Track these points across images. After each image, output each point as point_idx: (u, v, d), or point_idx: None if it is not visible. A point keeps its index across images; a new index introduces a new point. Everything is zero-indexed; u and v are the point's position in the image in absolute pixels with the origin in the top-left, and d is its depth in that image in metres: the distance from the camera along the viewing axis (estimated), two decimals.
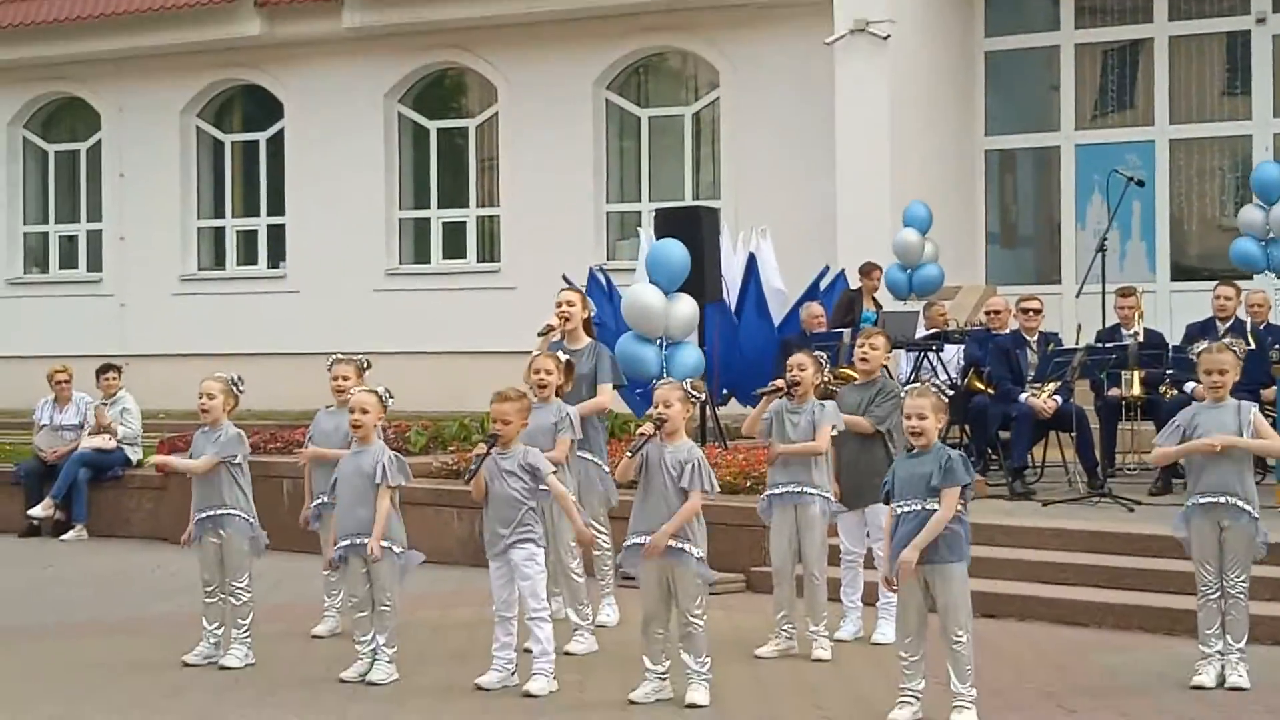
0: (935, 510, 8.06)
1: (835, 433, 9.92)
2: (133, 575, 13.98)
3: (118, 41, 24.04)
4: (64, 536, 16.25)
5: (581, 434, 10.23)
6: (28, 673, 9.77)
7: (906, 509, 8.15)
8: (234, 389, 10.03)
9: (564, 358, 10.20)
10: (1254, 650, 9.10)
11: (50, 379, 17.00)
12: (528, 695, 8.81)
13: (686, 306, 14.17)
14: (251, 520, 9.96)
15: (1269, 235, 15.89)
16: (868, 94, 19.12)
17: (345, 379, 10.68)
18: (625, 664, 9.50)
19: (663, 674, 8.71)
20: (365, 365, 10.89)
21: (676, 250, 14.32)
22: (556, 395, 10.10)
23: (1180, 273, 19.36)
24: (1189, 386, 13.31)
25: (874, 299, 16.96)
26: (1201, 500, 8.89)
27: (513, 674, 9.04)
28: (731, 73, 21.18)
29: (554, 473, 9.14)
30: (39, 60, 24.77)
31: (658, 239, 16.03)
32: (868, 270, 16.97)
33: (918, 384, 8.64)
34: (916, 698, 8.18)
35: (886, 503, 8.38)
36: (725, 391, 16.75)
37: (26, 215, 25.88)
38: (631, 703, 8.63)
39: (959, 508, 8.12)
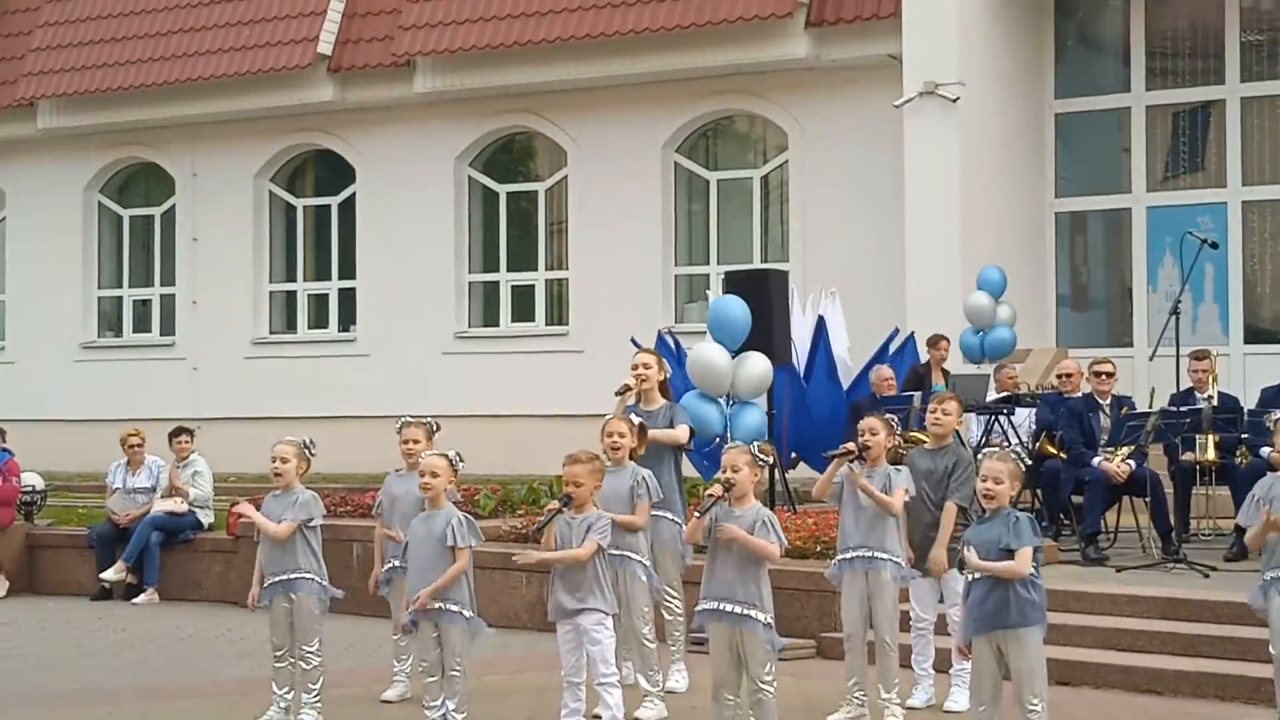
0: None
1: (908, 497, 9.85)
2: (203, 638, 14.02)
3: (192, 107, 24.33)
4: (135, 600, 16.33)
5: (660, 496, 10.21)
6: None
7: (979, 575, 8.07)
8: (307, 452, 10.07)
9: (637, 420, 10.19)
10: None
11: (123, 442, 17.13)
12: None
13: (757, 365, 14.13)
14: (324, 583, 9.97)
15: None
16: (937, 156, 19.08)
17: (415, 442, 10.70)
18: None
19: None
20: (435, 428, 10.91)
21: (736, 307, 14.31)
22: (630, 458, 10.09)
23: (1254, 335, 19.17)
24: (1264, 451, 13.16)
25: (942, 369, 16.85)
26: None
27: None
28: (800, 135, 21.20)
29: (601, 540, 9.08)
30: (114, 126, 25.09)
31: None
32: (935, 341, 16.82)
33: (994, 448, 8.56)
34: None
35: (961, 570, 8.30)
36: (794, 455, 16.68)
37: (101, 280, 26.16)
38: None
39: (1031, 572, 8.05)
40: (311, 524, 9.91)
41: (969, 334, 17.64)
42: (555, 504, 9.10)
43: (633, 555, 9.99)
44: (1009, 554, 7.99)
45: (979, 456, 8.88)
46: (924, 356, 17.00)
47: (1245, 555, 13.08)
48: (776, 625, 8.68)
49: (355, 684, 11.30)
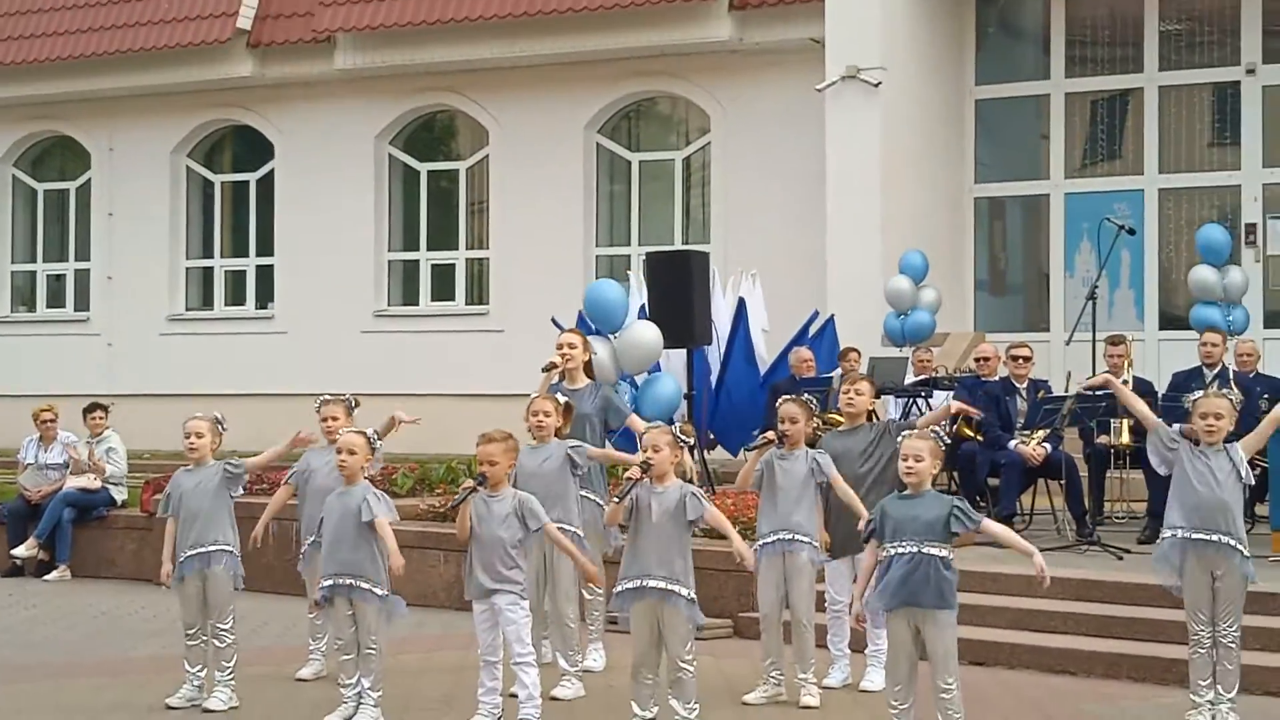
0: (931, 554, 8.03)
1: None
2: (116, 616, 13.90)
3: (109, 81, 24.05)
4: (47, 577, 16.16)
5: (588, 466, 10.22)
6: (10, 714, 9.69)
7: (901, 550, 8.10)
8: (219, 427, 10.01)
9: (562, 399, 10.17)
10: (1245, 700, 9.05)
11: (36, 418, 16.94)
12: None
13: (642, 334, 14.07)
14: (238, 556, 9.89)
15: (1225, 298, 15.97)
16: (858, 140, 19.16)
17: (334, 419, 10.63)
18: (612, 710, 9.46)
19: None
20: (354, 405, 10.84)
21: (611, 290, 14.29)
22: (556, 436, 10.08)
23: (1168, 321, 19.37)
24: (1176, 427, 13.29)
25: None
26: (1193, 536, 8.86)
27: (499, 719, 8.97)
28: (722, 118, 21.22)
29: (550, 522, 9.08)
30: (29, 99, 24.78)
31: (648, 283, 16.07)
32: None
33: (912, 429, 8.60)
34: None
35: (867, 541, 8.34)
36: (712, 437, 16.72)
37: (14, 254, 25.85)
38: None
39: (949, 553, 8.10)
40: (235, 493, 9.84)
41: (891, 318, 17.73)
42: (470, 482, 9.07)
43: (568, 527, 9.98)
44: (935, 536, 8.03)
45: (899, 438, 8.91)
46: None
47: (1157, 537, 13.20)
48: (697, 604, 8.69)
49: (270, 662, 11.23)
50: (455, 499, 9.09)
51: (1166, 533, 9.04)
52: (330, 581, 9.28)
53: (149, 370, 23.92)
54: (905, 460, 8.23)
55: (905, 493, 8.25)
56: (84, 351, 24.58)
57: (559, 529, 9.39)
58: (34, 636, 12.86)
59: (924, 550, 8.07)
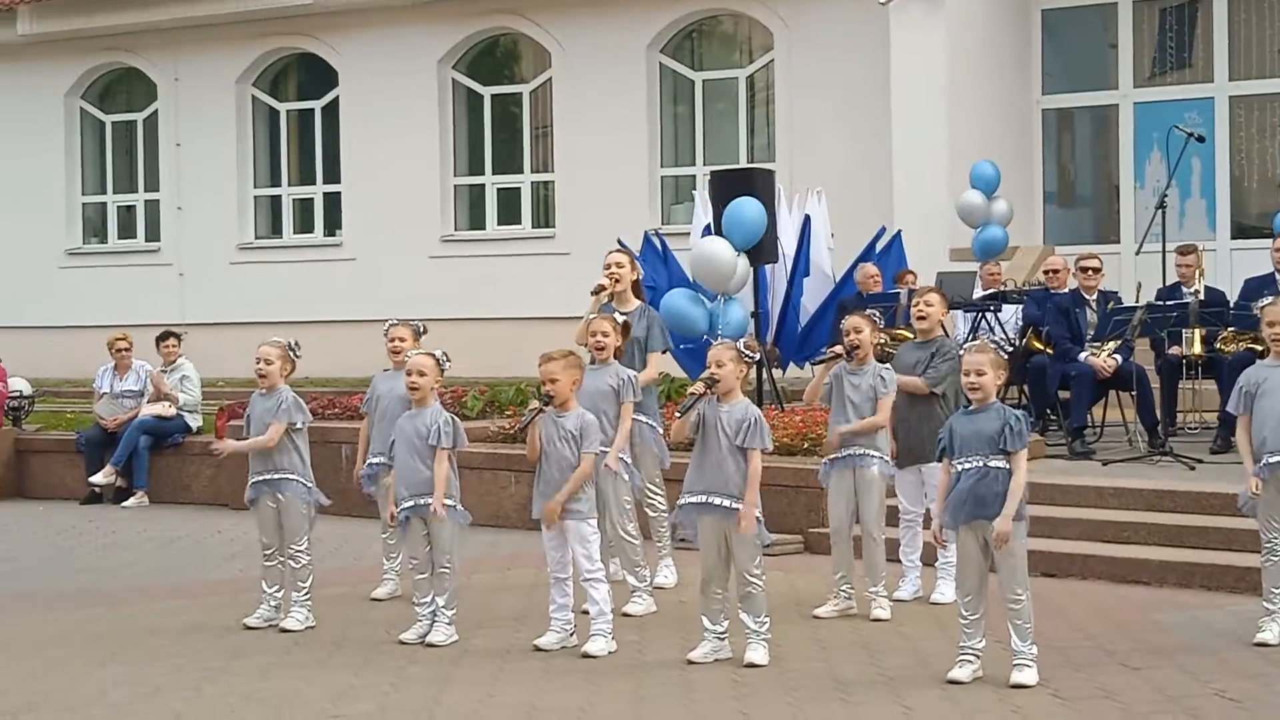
0: (997, 466, 8.02)
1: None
2: (193, 541, 14.07)
3: (173, 11, 24.11)
4: (125, 503, 16.38)
5: (639, 395, 10.23)
6: (91, 638, 9.85)
7: (967, 465, 8.10)
8: (291, 354, 10.06)
9: (620, 319, 10.18)
10: None
11: (110, 347, 17.13)
12: (586, 656, 8.81)
13: (744, 264, 14.23)
14: (310, 485, 9.99)
15: None
16: (923, 54, 18.98)
17: (402, 340, 10.71)
18: (684, 625, 9.52)
19: (721, 634, 8.71)
20: (421, 329, 10.91)
21: (753, 208, 14.37)
22: (615, 357, 10.09)
23: (1240, 231, 19.14)
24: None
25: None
26: (1272, 459, 8.78)
27: (571, 635, 9.05)
28: (785, 34, 21.06)
29: (594, 453, 9.10)
30: (94, 31, 24.87)
31: (713, 202, 16.01)
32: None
33: (975, 342, 8.57)
34: (977, 656, 8.15)
35: (941, 459, 8.34)
36: (779, 354, 16.68)
37: (85, 186, 26.04)
38: (690, 662, 8.63)
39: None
40: (297, 427, 9.92)
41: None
42: (537, 404, 9.10)
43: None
44: (999, 451, 8.01)
45: (960, 353, 8.90)
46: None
47: (1230, 448, 13.12)
48: (765, 521, 8.72)
49: (345, 583, 11.36)
50: (523, 420, 9.14)
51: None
52: (411, 503, 9.35)
53: (220, 299, 24.09)
54: (967, 375, 8.21)
55: (970, 408, 8.23)
56: (155, 281, 24.77)
57: (604, 454, 9.47)
58: (112, 562, 13.06)
59: (989, 464, 8.06)
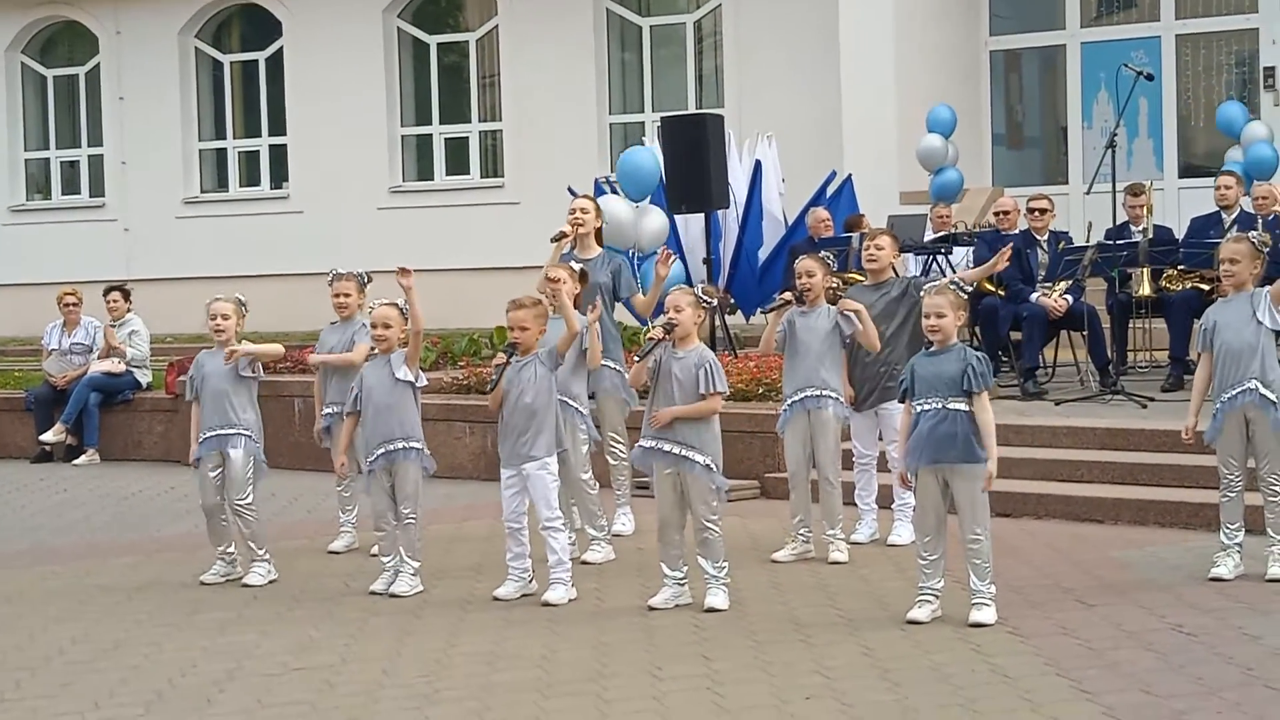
0: (955, 409, 8.05)
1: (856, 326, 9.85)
2: (146, 498, 14.00)
3: None
4: (76, 461, 16.26)
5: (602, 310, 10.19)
6: (46, 595, 9.79)
7: (926, 408, 8.12)
8: (242, 308, 10.01)
9: (577, 267, 10.13)
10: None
11: (59, 302, 16.97)
12: (546, 604, 8.81)
13: (655, 219, 14.19)
14: (259, 442, 9.89)
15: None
16: None
17: (346, 295, 10.66)
18: (643, 571, 9.53)
19: (680, 580, 8.72)
20: (366, 280, 10.84)
21: (647, 158, 14.31)
22: (575, 305, 10.02)
23: (1188, 170, 19.21)
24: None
25: None
26: (1227, 394, 8.82)
27: (530, 583, 9.05)
28: None
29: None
30: None
31: (663, 149, 15.97)
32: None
33: (936, 282, 8.58)
34: (936, 596, 8.19)
35: (902, 400, 8.35)
36: (732, 301, 16.69)
37: (27, 142, 25.75)
38: (651, 609, 8.65)
39: (973, 407, 8.10)
40: (257, 376, 9.87)
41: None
42: (501, 356, 9.06)
43: (571, 402, 9.97)
44: (967, 395, 8.03)
45: (920, 293, 8.90)
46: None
47: (1181, 385, 13.22)
48: (722, 468, 8.71)
49: (301, 536, 11.33)
50: (493, 379, 9.03)
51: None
52: (381, 450, 9.29)
53: (167, 254, 23.88)
54: (928, 318, 8.22)
55: (931, 349, 8.24)
56: (101, 237, 24.53)
57: (563, 403, 9.45)
58: (65, 520, 12.97)
59: (948, 406, 8.08)
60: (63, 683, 7.67)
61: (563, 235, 10.77)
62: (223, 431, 9.81)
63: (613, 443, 10.82)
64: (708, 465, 8.60)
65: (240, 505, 9.78)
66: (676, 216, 16.47)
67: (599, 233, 11.02)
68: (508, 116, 22.50)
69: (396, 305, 9.46)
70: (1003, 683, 7.06)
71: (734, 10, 21.04)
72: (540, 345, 9.06)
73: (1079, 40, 19.81)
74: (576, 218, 10.81)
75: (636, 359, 8.74)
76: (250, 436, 9.83)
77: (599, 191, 17.04)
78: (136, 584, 9.98)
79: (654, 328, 8.83)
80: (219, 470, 9.81)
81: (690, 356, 8.64)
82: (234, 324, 9.89)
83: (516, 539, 9.06)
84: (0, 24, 25.30)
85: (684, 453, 8.57)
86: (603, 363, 10.38)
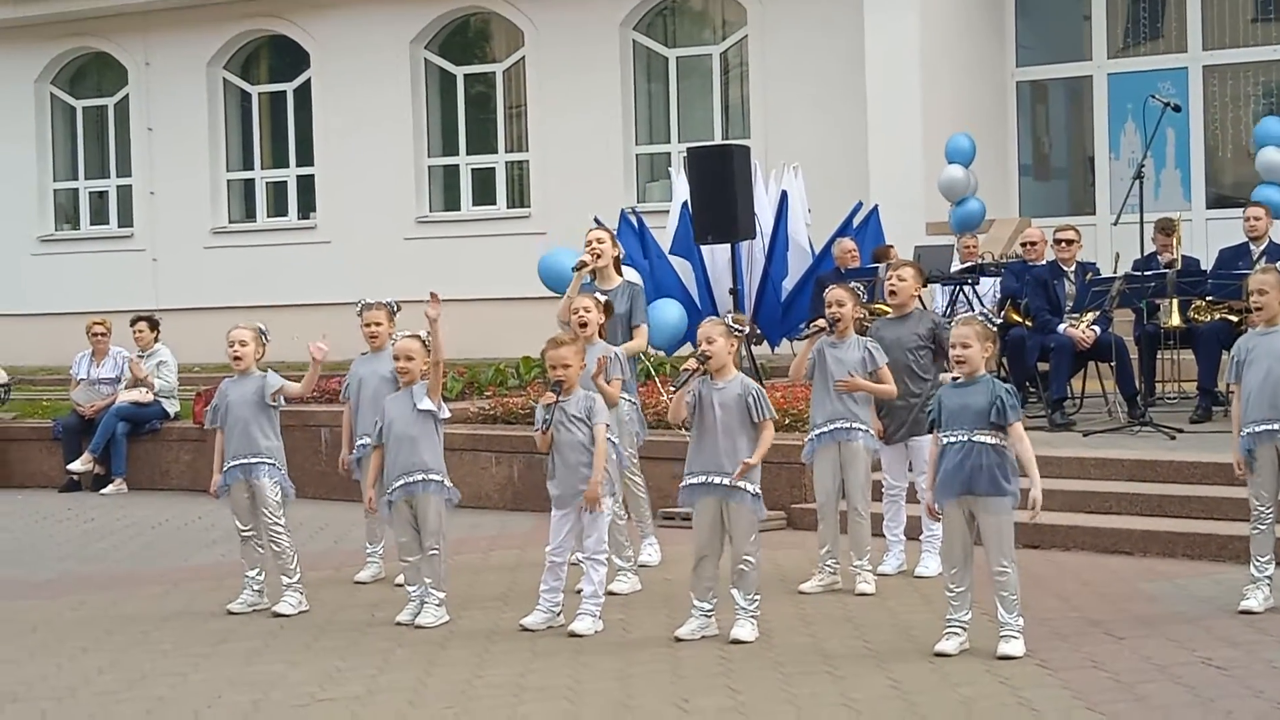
0: (982, 441, 8.02)
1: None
2: (174, 527, 14.01)
3: None
4: (103, 490, 16.31)
5: (628, 374, 10.21)
6: (73, 625, 9.80)
7: (954, 440, 8.10)
8: (263, 337, 10.01)
9: (602, 297, 10.14)
10: None
11: (88, 331, 17.03)
12: (573, 634, 8.79)
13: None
14: (283, 469, 9.89)
15: None
16: (897, 27, 18.96)
17: (378, 324, 10.68)
18: (670, 602, 9.51)
19: (709, 611, 8.70)
20: (395, 309, 10.85)
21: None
22: (600, 335, 10.04)
23: (1216, 201, 19.17)
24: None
25: None
26: (1258, 429, 8.79)
27: (558, 615, 9.03)
28: (759, 9, 21.01)
29: (604, 423, 9.06)
30: (64, 16, 24.72)
31: (689, 179, 15.99)
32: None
33: (962, 314, 8.57)
34: (963, 628, 8.16)
35: (930, 431, 8.33)
36: (758, 331, 16.68)
37: (56, 172, 25.88)
38: (677, 639, 8.62)
39: (1001, 440, 8.08)
40: (277, 405, 9.86)
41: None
42: (550, 395, 9.01)
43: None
44: (999, 428, 8.00)
45: (948, 324, 8.89)
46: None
47: (1210, 417, 13.18)
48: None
49: (327, 566, 11.32)
50: (546, 418, 8.94)
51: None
52: (400, 483, 9.30)
53: (194, 284, 23.97)
54: (954, 349, 8.20)
55: (959, 381, 8.22)
56: (130, 267, 24.64)
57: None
58: (93, 549, 12.99)
59: (974, 439, 8.05)
60: (89, 713, 7.68)
61: (583, 265, 10.78)
62: (247, 460, 9.82)
63: (630, 473, 10.80)
64: (756, 494, 8.60)
65: (274, 532, 9.78)
66: (703, 248, 16.54)
67: (617, 262, 11.03)
68: (534, 147, 22.53)
69: (419, 337, 9.47)
70: (1031, 716, 7.03)
71: (760, 41, 21.08)
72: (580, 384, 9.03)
73: (1105, 71, 19.81)
74: (594, 248, 10.81)
75: (672, 388, 8.71)
76: (274, 464, 9.84)
77: (625, 222, 17.11)
78: (163, 614, 9.99)
79: (689, 360, 8.83)
80: (249, 496, 9.82)
81: (731, 386, 8.64)
82: (252, 351, 9.89)
83: (555, 574, 9.02)
84: (30, 55, 25.46)
85: (736, 483, 8.56)
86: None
